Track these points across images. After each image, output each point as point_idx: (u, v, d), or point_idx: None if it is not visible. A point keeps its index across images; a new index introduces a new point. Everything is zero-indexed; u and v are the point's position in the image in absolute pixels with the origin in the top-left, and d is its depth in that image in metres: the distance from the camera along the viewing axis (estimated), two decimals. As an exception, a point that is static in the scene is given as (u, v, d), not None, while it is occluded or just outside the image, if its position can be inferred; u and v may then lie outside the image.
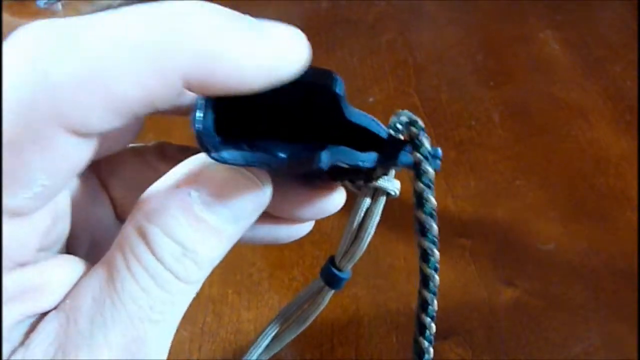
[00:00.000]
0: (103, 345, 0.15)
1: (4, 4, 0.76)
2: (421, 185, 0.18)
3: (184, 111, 0.17)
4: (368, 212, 0.21)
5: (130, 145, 0.21)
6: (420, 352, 0.22)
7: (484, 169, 0.51)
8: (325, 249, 0.45)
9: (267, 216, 0.19)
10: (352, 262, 0.22)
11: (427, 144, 0.18)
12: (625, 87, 0.58)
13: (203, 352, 0.40)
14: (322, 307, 0.24)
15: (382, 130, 0.19)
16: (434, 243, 0.19)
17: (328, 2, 0.74)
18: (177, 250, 0.15)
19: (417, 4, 0.73)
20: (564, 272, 0.43)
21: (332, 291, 0.23)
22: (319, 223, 0.22)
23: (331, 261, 0.23)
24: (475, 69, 0.63)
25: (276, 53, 0.14)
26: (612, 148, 0.52)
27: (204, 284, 0.16)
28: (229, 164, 0.15)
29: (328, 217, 0.21)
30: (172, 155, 0.21)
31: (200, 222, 0.16)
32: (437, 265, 0.20)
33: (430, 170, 0.18)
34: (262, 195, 0.17)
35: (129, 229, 0.16)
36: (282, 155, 0.17)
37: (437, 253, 0.20)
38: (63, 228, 0.18)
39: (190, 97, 0.15)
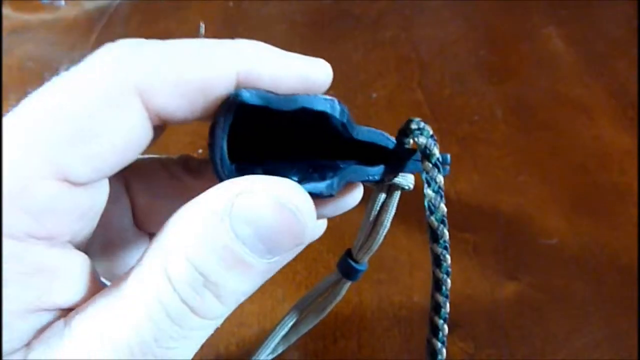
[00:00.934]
0: None
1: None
2: (431, 193, 0.19)
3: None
4: (383, 206, 0.21)
5: (156, 155, 0.21)
6: (433, 353, 0.22)
7: (487, 164, 0.51)
8: (327, 243, 0.45)
9: None
10: (368, 254, 0.23)
11: (437, 152, 0.18)
12: (628, 83, 0.58)
13: (206, 344, 0.40)
14: (339, 298, 0.24)
15: (390, 142, 0.19)
16: (445, 249, 0.20)
17: (331, -2, 0.74)
18: (198, 279, 0.14)
19: (421, -1, 0.73)
20: (566, 267, 0.43)
21: (349, 282, 0.24)
22: (321, 218, 0.22)
23: (348, 254, 0.23)
24: (479, 64, 0.63)
25: (300, 64, 0.17)
26: (615, 144, 0.52)
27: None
28: None
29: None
30: (196, 167, 0.21)
31: (227, 251, 0.14)
32: (449, 270, 0.20)
33: (441, 177, 0.19)
34: (301, 232, 0.15)
35: (152, 246, 0.15)
36: (294, 178, 0.17)
37: (448, 258, 0.20)
38: (91, 221, 0.17)
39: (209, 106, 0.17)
